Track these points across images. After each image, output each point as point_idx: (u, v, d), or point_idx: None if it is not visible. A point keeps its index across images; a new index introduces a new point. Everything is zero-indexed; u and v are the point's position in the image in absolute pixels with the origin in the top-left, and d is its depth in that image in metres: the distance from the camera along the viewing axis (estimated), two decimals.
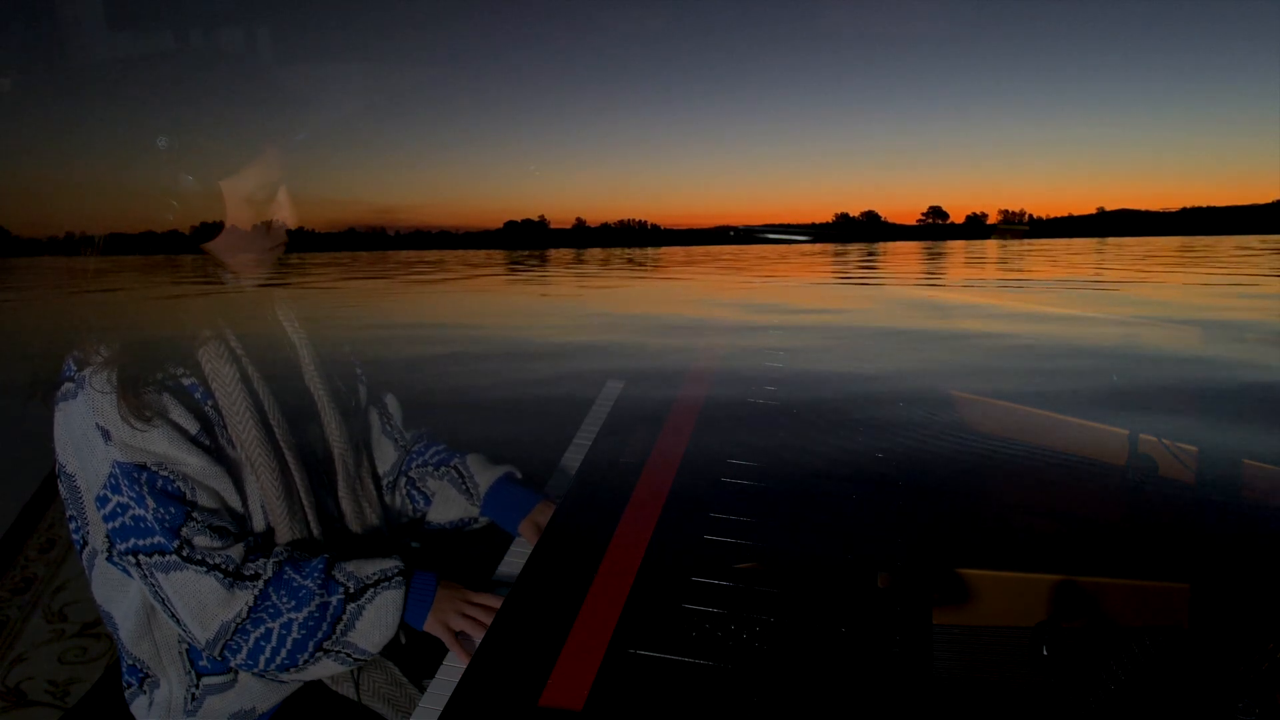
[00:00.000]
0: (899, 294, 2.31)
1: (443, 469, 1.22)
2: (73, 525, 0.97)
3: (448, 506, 1.21)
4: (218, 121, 0.95)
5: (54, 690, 1.71)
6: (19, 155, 1.02)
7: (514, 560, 1.12)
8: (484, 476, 1.22)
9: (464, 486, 1.21)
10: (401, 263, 2.01)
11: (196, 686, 0.99)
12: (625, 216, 2.20)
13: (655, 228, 2.22)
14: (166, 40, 0.98)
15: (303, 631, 0.91)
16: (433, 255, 2.08)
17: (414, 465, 1.24)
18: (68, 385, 0.91)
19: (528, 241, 2.15)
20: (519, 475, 1.25)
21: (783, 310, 2.10)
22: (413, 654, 1.03)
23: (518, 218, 2.09)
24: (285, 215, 1.01)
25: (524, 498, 1.19)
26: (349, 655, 0.94)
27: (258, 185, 0.97)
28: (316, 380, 1.08)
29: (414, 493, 1.23)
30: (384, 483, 1.21)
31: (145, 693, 1.02)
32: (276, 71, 1.04)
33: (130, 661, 1.02)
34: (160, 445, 0.89)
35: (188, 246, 0.97)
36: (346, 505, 1.08)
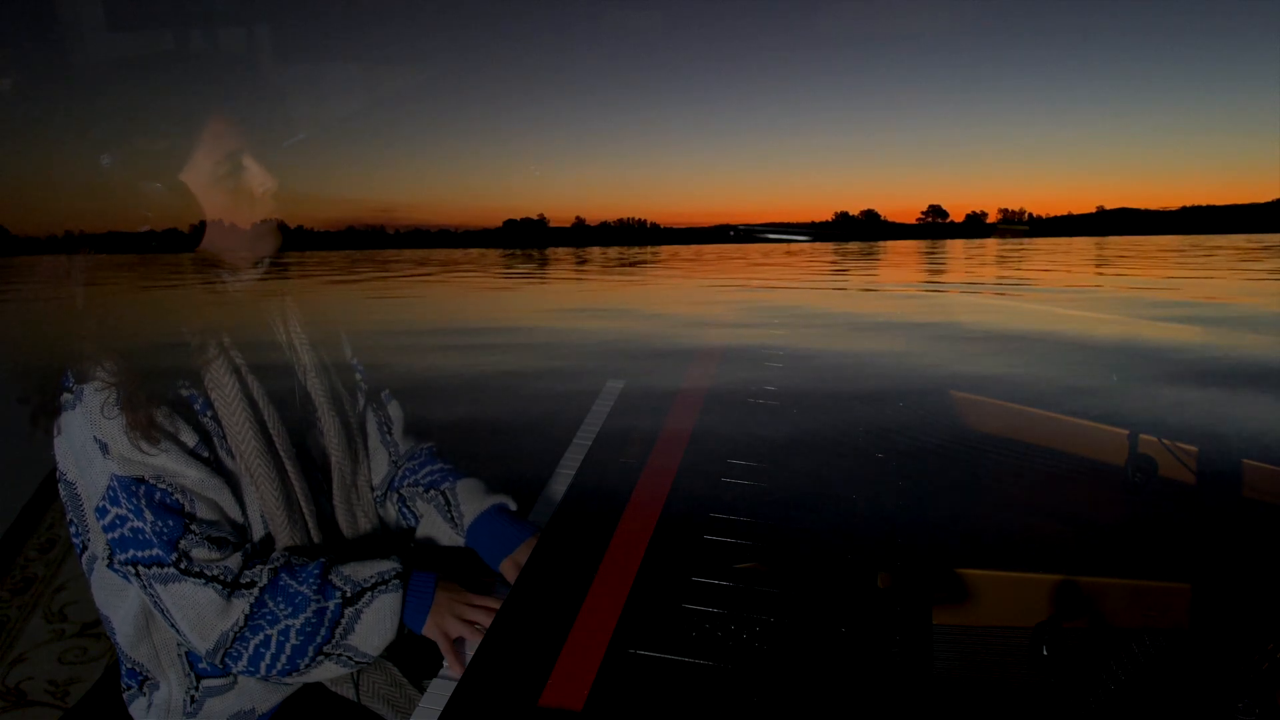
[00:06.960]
0: (899, 293, 2.31)
1: (431, 492, 1.18)
2: (73, 529, 0.97)
3: (433, 532, 1.17)
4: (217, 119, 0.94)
5: (54, 690, 1.71)
6: (18, 155, 1.01)
7: None
8: (471, 507, 1.15)
9: (449, 515, 1.16)
10: (392, 261, 2.01)
11: (196, 688, 0.99)
12: (625, 215, 2.19)
13: (655, 226, 2.22)
14: (166, 40, 0.97)
15: (301, 637, 0.91)
16: (420, 254, 2.07)
17: (406, 483, 1.20)
18: (66, 396, 0.90)
19: (527, 240, 2.15)
20: (512, 506, 1.17)
21: (782, 309, 2.10)
22: (413, 654, 1.03)
23: (517, 216, 2.09)
24: (259, 183, 0.95)
25: (509, 534, 1.12)
26: (350, 658, 0.94)
27: (217, 162, 0.92)
28: (316, 385, 1.08)
29: (405, 510, 1.20)
30: (375, 495, 1.19)
31: (145, 695, 1.02)
32: (276, 71, 1.04)
33: (129, 664, 1.02)
34: (158, 459, 0.89)
35: (187, 245, 0.96)
36: (341, 514, 1.08)
